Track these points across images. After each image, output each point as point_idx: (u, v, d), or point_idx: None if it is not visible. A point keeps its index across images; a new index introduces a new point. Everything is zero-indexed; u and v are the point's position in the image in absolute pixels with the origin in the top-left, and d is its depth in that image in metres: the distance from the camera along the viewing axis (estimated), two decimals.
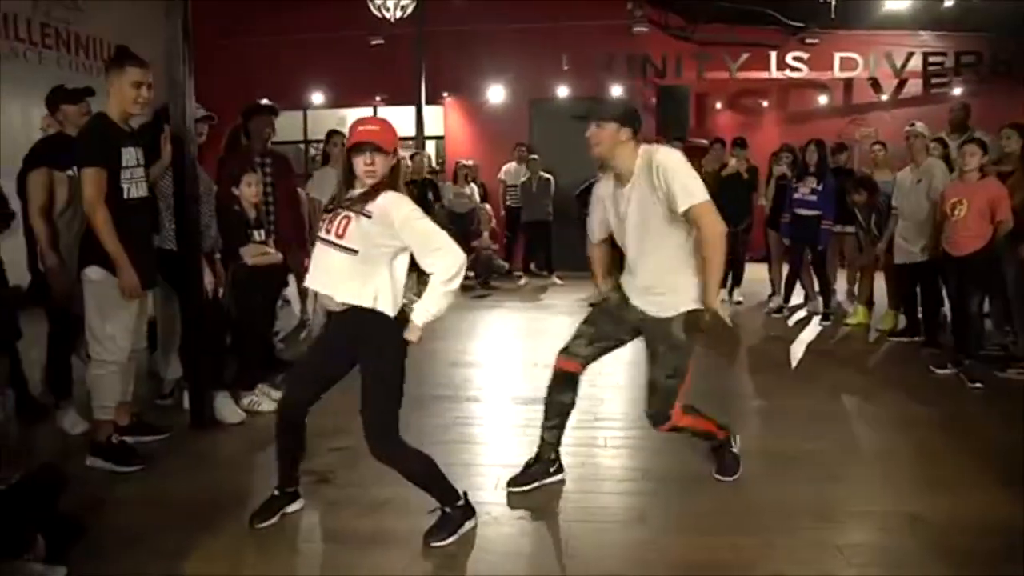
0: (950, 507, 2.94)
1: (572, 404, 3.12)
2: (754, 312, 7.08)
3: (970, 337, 4.61)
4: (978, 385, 4.49)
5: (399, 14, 7.06)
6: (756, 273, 7.61)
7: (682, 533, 2.79)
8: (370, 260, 2.50)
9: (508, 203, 9.22)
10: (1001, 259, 4.64)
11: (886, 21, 9.18)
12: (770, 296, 7.20)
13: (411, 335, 2.53)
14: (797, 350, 5.69)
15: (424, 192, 8.00)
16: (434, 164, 9.76)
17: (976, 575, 2.47)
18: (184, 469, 3.35)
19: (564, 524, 2.88)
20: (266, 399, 4.15)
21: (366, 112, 10.71)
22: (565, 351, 3.07)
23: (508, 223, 9.34)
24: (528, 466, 3.15)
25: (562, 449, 3.22)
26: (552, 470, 3.16)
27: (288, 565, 2.62)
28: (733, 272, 7.54)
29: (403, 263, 2.58)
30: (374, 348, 2.55)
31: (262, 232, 4.05)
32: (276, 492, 2.86)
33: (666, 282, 2.89)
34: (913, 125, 5.59)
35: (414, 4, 7.03)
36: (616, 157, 2.82)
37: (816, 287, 6.76)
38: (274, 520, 2.82)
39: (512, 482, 3.11)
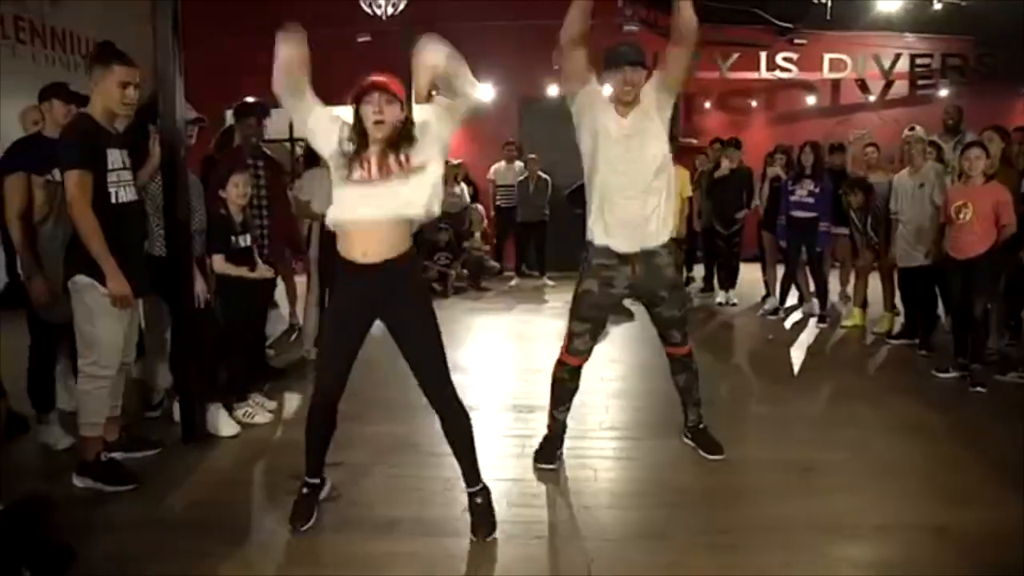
0: (975, 519, 2.88)
1: (578, 388, 3.42)
2: (749, 314, 7.02)
3: (975, 341, 4.56)
4: (980, 389, 4.45)
5: (390, 11, 6.89)
6: (749, 274, 7.55)
7: (702, 551, 2.70)
8: None
9: (498, 203, 9.08)
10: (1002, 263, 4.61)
11: (874, 23, 9.20)
12: (764, 298, 7.15)
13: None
14: (797, 353, 5.63)
15: None
16: None
17: None
18: (179, 487, 3.19)
19: (586, 544, 2.74)
20: (260, 410, 4.01)
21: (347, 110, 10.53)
22: (572, 348, 3.31)
23: (497, 223, 9.20)
24: (547, 442, 3.42)
25: (574, 461, 3.42)
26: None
27: None
28: (726, 274, 7.49)
29: None
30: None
31: (247, 237, 3.89)
32: (305, 489, 2.79)
33: (659, 212, 3.15)
34: (913, 129, 5.55)
35: (405, 1, 6.87)
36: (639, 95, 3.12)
37: (812, 289, 6.71)
38: (314, 518, 2.77)
39: (541, 458, 3.37)
